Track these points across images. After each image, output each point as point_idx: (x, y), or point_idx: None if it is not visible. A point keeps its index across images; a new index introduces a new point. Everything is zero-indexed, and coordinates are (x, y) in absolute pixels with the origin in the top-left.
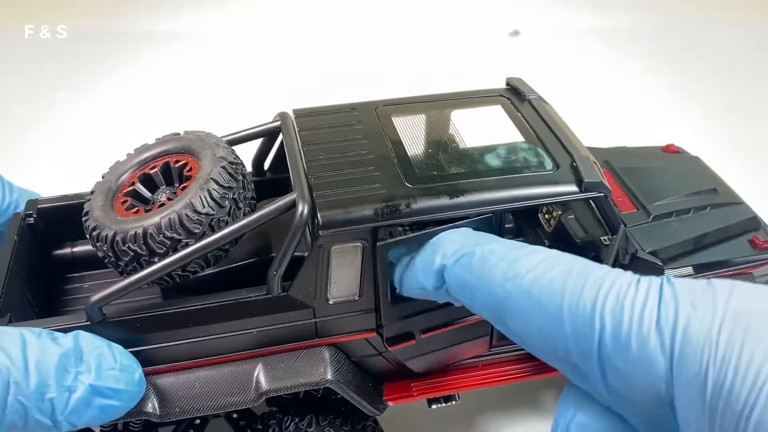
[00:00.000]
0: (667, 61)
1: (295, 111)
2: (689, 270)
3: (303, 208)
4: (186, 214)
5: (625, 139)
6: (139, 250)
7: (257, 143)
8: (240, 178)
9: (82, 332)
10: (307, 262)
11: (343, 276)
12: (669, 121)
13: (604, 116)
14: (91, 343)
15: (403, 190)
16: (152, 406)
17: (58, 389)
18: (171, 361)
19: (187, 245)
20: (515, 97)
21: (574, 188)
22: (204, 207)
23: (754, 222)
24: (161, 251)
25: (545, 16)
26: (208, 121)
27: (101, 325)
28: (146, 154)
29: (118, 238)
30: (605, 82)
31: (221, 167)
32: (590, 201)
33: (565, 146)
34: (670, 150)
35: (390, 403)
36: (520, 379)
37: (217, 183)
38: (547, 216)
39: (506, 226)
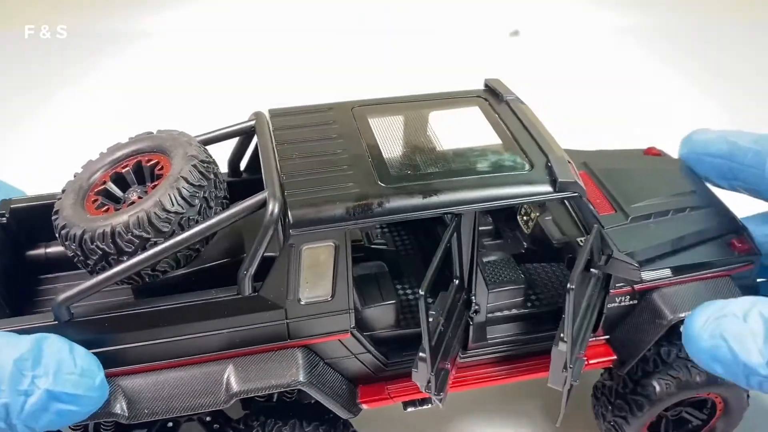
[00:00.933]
0: (670, 61)
1: (270, 111)
2: (667, 272)
3: (273, 207)
4: (155, 213)
5: (625, 139)
6: (107, 249)
7: (233, 144)
8: (211, 176)
9: (44, 334)
10: (278, 262)
11: (315, 276)
12: (670, 121)
13: (604, 117)
14: (52, 345)
15: (376, 189)
16: (120, 407)
17: (12, 394)
18: (140, 362)
19: (155, 244)
20: (493, 97)
21: (548, 188)
22: (173, 205)
23: (733, 224)
24: (130, 250)
25: (545, 16)
26: (184, 121)
27: (68, 325)
28: (119, 153)
29: (86, 236)
30: (605, 82)
31: (192, 165)
32: (566, 201)
33: (540, 147)
34: (651, 153)
35: (364, 406)
36: (496, 381)
37: (188, 181)
38: (525, 218)
39: (486, 228)
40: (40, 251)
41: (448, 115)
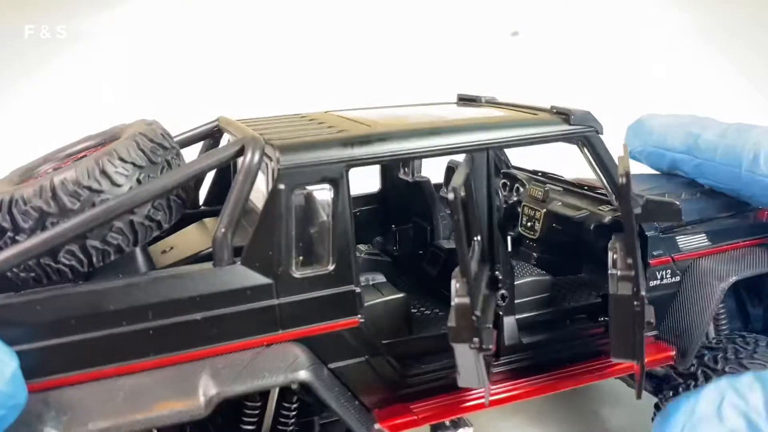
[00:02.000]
0: (674, 63)
1: (239, 120)
2: (703, 238)
3: (254, 152)
4: (108, 161)
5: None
6: (44, 207)
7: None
8: (175, 148)
9: None
10: (263, 215)
11: (310, 237)
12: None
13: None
14: None
15: (374, 129)
16: (54, 426)
17: None
18: (87, 366)
19: (107, 201)
20: (470, 102)
21: (563, 126)
22: (130, 156)
23: (744, 204)
24: (75, 206)
25: (545, 16)
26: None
27: None
28: (65, 153)
29: (17, 197)
30: (605, 83)
31: (153, 127)
32: (583, 149)
33: (539, 107)
34: None
35: (384, 430)
36: (535, 393)
37: (148, 137)
38: (530, 223)
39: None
40: None
41: (432, 108)
